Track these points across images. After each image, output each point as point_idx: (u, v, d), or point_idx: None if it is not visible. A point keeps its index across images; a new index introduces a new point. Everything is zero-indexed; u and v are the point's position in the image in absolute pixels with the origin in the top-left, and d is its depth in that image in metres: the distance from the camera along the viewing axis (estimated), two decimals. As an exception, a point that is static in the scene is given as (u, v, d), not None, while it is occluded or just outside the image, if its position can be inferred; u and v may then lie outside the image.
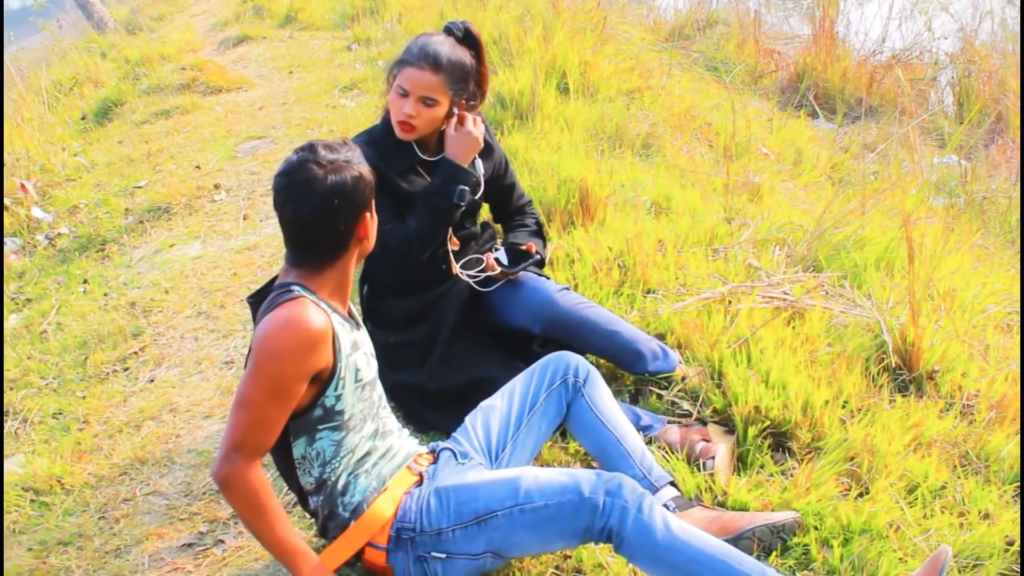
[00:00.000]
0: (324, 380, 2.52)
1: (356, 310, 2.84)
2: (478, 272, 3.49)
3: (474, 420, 2.94)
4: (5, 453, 3.83)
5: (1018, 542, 2.74)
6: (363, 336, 2.72)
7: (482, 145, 3.43)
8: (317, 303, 2.50)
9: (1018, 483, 3.03)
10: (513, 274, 3.47)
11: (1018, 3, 10.89)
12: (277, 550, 2.46)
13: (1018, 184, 6.07)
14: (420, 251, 3.36)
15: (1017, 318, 3.99)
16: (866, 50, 8.64)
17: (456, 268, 3.48)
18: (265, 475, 2.44)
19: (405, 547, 2.60)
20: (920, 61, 8.56)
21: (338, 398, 2.55)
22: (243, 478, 2.40)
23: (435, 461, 2.82)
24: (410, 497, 2.66)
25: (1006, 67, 7.68)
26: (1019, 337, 3.82)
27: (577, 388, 2.94)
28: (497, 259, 3.52)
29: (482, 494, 2.57)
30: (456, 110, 3.42)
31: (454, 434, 2.93)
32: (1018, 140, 6.80)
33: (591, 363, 3.04)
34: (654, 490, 2.80)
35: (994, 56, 8.05)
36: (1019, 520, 2.81)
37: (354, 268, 2.66)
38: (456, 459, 2.80)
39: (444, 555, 2.58)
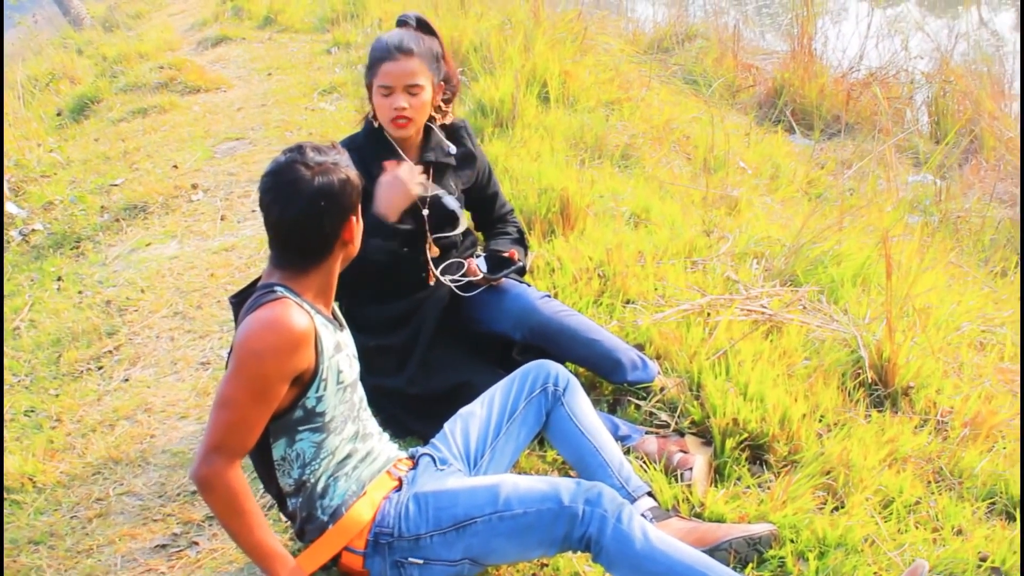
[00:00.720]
0: (305, 381, 2.51)
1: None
2: (459, 277, 3.49)
3: (453, 426, 2.93)
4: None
5: (992, 558, 2.76)
6: (346, 337, 2.72)
7: (414, 194, 3.33)
8: (300, 304, 2.50)
9: (991, 500, 3.05)
10: (495, 280, 3.47)
11: (992, 26, 11.02)
12: (254, 553, 2.46)
13: (991, 203, 6.14)
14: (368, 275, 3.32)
15: (991, 336, 4.03)
16: (843, 67, 8.70)
17: (436, 274, 3.47)
18: (244, 477, 2.43)
19: (383, 552, 2.59)
20: (896, 80, 8.63)
21: (319, 400, 2.54)
22: (222, 479, 2.39)
23: (415, 466, 2.82)
24: (389, 502, 2.65)
25: (981, 87, 7.75)
26: (1020, 350, 3.86)
27: (557, 397, 2.94)
28: (478, 266, 3.52)
29: (461, 500, 2.57)
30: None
31: (433, 440, 2.93)
32: (992, 161, 6.87)
33: (571, 372, 3.04)
34: (632, 500, 2.80)
35: (969, 77, 8.13)
36: (1020, 528, 2.84)
37: (338, 271, 2.65)
38: (435, 465, 2.80)
39: (422, 561, 2.57)
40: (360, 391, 2.77)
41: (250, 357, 2.41)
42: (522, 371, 3.00)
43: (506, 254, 3.55)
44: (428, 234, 3.47)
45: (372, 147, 3.42)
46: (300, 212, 2.49)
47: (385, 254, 3.28)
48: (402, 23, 3.44)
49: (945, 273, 4.55)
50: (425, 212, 3.44)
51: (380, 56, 3.32)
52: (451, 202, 3.50)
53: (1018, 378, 3.70)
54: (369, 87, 3.40)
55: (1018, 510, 3.01)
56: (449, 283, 3.48)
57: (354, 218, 2.60)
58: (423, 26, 3.44)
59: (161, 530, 3.20)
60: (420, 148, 3.49)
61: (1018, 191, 6.33)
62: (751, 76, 8.91)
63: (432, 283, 3.48)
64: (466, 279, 3.48)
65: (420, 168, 3.38)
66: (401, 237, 3.32)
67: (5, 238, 6.11)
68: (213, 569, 2.97)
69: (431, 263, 3.47)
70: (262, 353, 2.41)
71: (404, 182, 3.30)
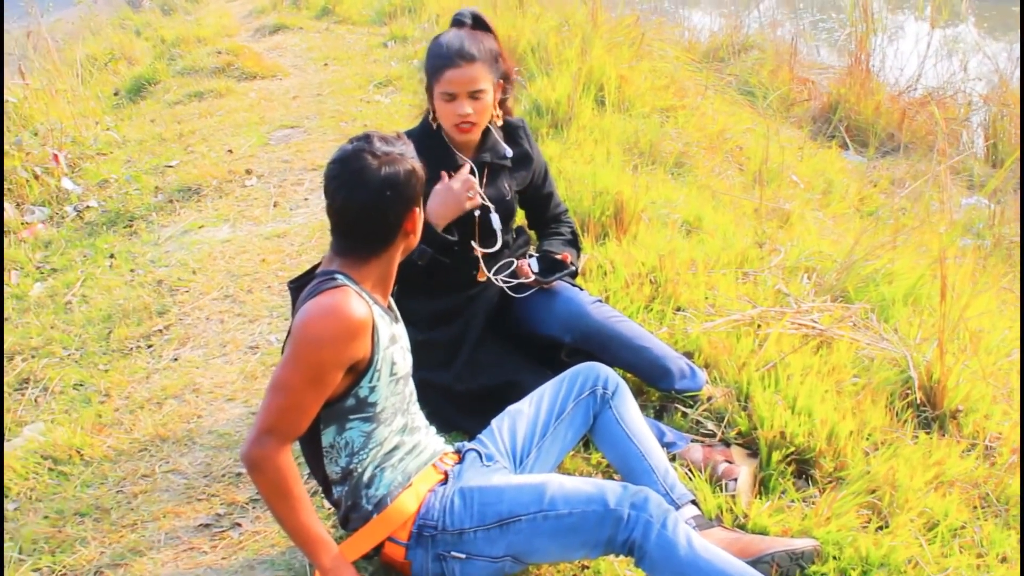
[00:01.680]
0: (360, 370, 2.53)
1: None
2: (510, 278, 3.49)
3: (500, 423, 2.94)
4: (26, 420, 3.85)
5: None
6: (401, 330, 2.73)
7: (465, 208, 3.35)
8: (359, 293, 2.52)
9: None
10: (547, 283, 3.47)
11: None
12: (298, 536, 2.47)
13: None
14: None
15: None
16: (900, 86, 8.65)
17: (486, 274, 3.47)
18: (293, 461, 2.45)
19: (425, 544, 2.60)
20: (953, 101, 8.57)
21: (372, 390, 2.56)
22: (272, 461, 2.41)
23: (460, 461, 2.83)
24: (434, 495, 2.66)
25: (1039, 112, 7.68)
26: (1020, 353, 3.84)
27: (605, 400, 2.94)
28: (530, 266, 3.52)
29: (507, 497, 2.57)
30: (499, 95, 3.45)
31: (480, 436, 2.94)
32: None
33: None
34: (676, 507, 2.79)
35: (1027, 100, 8.06)
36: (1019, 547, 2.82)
37: (398, 261, 2.67)
38: (481, 461, 2.81)
39: (464, 555, 2.58)
40: (411, 384, 2.79)
41: (308, 343, 2.43)
42: (571, 372, 3.00)
43: (559, 256, 3.55)
44: (477, 234, 3.48)
45: (427, 146, 3.40)
46: (366, 200, 2.51)
47: (424, 258, 3.29)
48: (458, 22, 3.43)
49: (997, 298, 4.51)
50: (477, 213, 3.45)
51: (443, 63, 3.30)
52: (495, 221, 3.50)
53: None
54: (429, 90, 3.39)
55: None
56: (500, 284, 3.49)
57: (417, 209, 2.61)
58: (479, 23, 3.44)
59: (205, 509, 3.23)
60: (476, 149, 3.50)
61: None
62: (806, 90, 8.87)
63: (482, 280, 3.49)
64: (517, 280, 3.49)
65: (475, 179, 3.38)
66: (441, 244, 3.32)
67: (60, 213, 6.18)
68: (255, 551, 3.00)
69: (482, 262, 3.48)
70: (320, 340, 2.42)
71: (457, 194, 3.31)
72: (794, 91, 8.80)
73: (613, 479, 3.07)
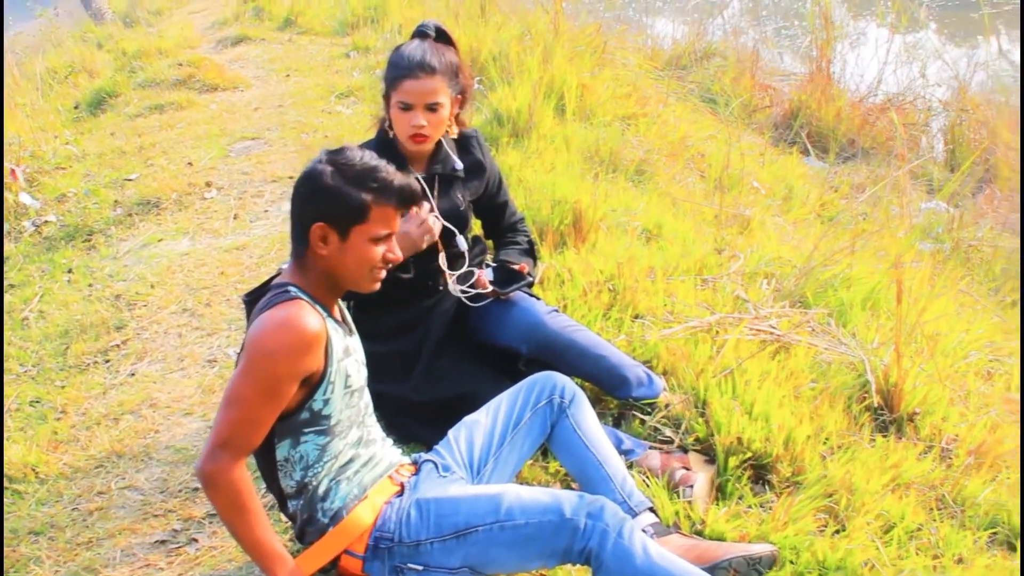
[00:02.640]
0: (313, 384, 2.52)
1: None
2: (468, 288, 3.48)
3: (457, 434, 2.93)
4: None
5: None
6: (355, 343, 2.72)
7: (420, 245, 3.34)
8: (313, 306, 2.51)
9: (992, 530, 3.05)
10: (504, 294, 3.47)
11: (1011, 57, 11.01)
12: (254, 552, 2.46)
13: (1003, 233, 6.13)
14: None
15: (999, 366, 4.02)
16: (860, 92, 8.70)
17: (451, 284, 3.47)
18: (248, 475, 2.44)
19: (382, 557, 2.59)
20: (913, 106, 8.64)
21: (326, 403, 2.54)
22: (227, 476, 2.40)
23: (417, 472, 2.82)
24: (390, 507, 2.65)
25: (998, 117, 7.74)
26: (1020, 361, 3.85)
27: (562, 409, 2.94)
28: (487, 276, 3.52)
29: (463, 508, 2.56)
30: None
31: (436, 447, 2.92)
32: (1006, 191, 6.86)
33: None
34: (633, 515, 2.79)
35: (986, 106, 8.12)
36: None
37: (332, 280, 2.62)
38: (438, 472, 2.80)
39: (421, 567, 2.57)
40: (367, 397, 2.78)
41: (262, 356, 2.42)
42: (528, 382, 3.00)
43: (516, 267, 3.55)
44: (440, 247, 3.47)
45: (382, 156, 3.40)
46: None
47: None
48: (421, 34, 3.43)
49: (955, 301, 4.54)
50: (441, 224, 3.45)
51: (402, 73, 3.31)
52: (462, 243, 3.50)
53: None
54: (387, 98, 3.40)
55: (1019, 539, 3.00)
56: (459, 294, 3.48)
57: (322, 228, 2.54)
58: (442, 36, 3.45)
59: (161, 526, 3.21)
60: (428, 161, 3.50)
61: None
62: (768, 97, 8.91)
63: (440, 289, 3.48)
64: (475, 291, 3.48)
65: (433, 219, 3.36)
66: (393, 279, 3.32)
67: (18, 228, 6.13)
68: (212, 567, 2.98)
69: (445, 270, 3.47)
70: (274, 353, 2.42)
71: (413, 236, 3.31)
72: (756, 98, 8.84)
73: (571, 488, 3.07)
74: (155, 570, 3.00)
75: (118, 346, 4.44)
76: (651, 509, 2.85)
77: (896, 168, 6.32)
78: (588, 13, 8.98)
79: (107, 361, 4.34)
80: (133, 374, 4.18)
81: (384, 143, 3.45)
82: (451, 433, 2.95)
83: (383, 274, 2.67)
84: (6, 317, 4.89)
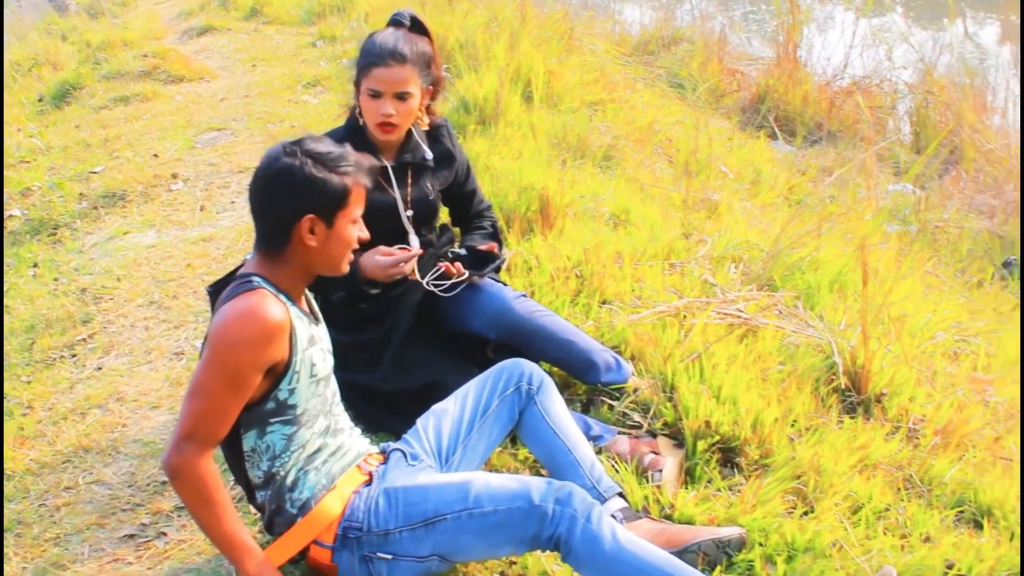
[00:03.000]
0: (279, 373, 2.51)
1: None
2: (443, 282, 3.47)
3: (425, 423, 2.93)
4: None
5: (959, 566, 2.78)
6: (321, 331, 2.71)
7: (387, 279, 3.36)
8: (276, 295, 2.50)
9: (959, 509, 3.07)
10: (480, 276, 3.46)
11: (976, 39, 11.08)
12: (223, 544, 2.45)
13: (969, 214, 6.18)
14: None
15: (966, 346, 4.05)
16: (827, 75, 8.73)
17: (423, 281, 3.45)
18: (215, 467, 2.43)
19: (351, 546, 2.59)
20: (880, 89, 8.67)
21: (291, 392, 2.53)
22: (193, 468, 2.40)
23: (385, 461, 2.81)
24: (358, 496, 2.64)
25: (963, 99, 7.79)
26: (1021, 359, 3.88)
27: (530, 395, 2.94)
28: (461, 260, 3.51)
29: (432, 497, 2.56)
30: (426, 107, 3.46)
31: (405, 436, 2.92)
32: (972, 172, 6.90)
33: (545, 371, 3.04)
34: (603, 500, 2.80)
35: (952, 89, 8.17)
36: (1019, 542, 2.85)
37: (309, 272, 2.63)
38: (406, 460, 2.79)
39: (390, 556, 2.56)
40: (333, 386, 2.77)
41: (225, 346, 2.41)
42: (496, 369, 3.00)
43: (484, 248, 3.54)
44: (410, 235, 3.49)
45: (352, 143, 3.39)
46: (261, 188, 2.54)
47: (340, 299, 3.43)
48: (396, 23, 3.41)
49: (921, 282, 4.56)
50: (409, 214, 3.46)
51: (373, 60, 3.29)
52: (414, 242, 3.50)
53: (991, 388, 3.72)
54: (357, 85, 3.38)
55: (986, 519, 3.03)
56: (432, 288, 3.46)
57: (312, 218, 2.54)
58: (417, 26, 3.43)
59: (130, 520, 3.18)
60: (398, 150, 3.49)
61: (997, 204, 6.37)
62: (735, 81, 8.93)
63: (408, 279, 3.47)
64: (449, 281, 3.47)
65: (408, 262, 3.36)
66: (360, 293, 3.41)
67: (-18, 223, 6.08)
68: (181, 560, 2.96)
69: (416, 271, 3.47)
70: (237, 343, 2.41)
71: (384, 268, 3.31)
72: (723, 82, 8.86)
73: (540, 475, 3.07)
74: (124, 564, 2.98)
75: (84, 340, 4.40)
76: (620, 494, 2.86)
77: (863, 151, 6.36)
78: (555, 0, 8.96)
79: (73, 355, 4.30)
80: (100, 368, 4.15)
81: (354, 130, 3.44)
82: (419, 422, 2.95)
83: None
84: (-30, 312, 4.85)
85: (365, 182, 2.61)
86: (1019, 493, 3.08)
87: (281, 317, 2.45)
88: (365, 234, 2.67)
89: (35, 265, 5.31)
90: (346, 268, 2.67)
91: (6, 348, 4.44)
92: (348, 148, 2.60)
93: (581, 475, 2.83)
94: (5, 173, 6.75)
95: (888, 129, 8.21)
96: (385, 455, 2.84)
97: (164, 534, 3.08)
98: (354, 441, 2.81)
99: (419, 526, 2.54)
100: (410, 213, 3.48)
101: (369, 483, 2.71)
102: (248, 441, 2.56)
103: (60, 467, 3.51)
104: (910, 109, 8.42)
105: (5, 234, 5.89)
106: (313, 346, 2.61)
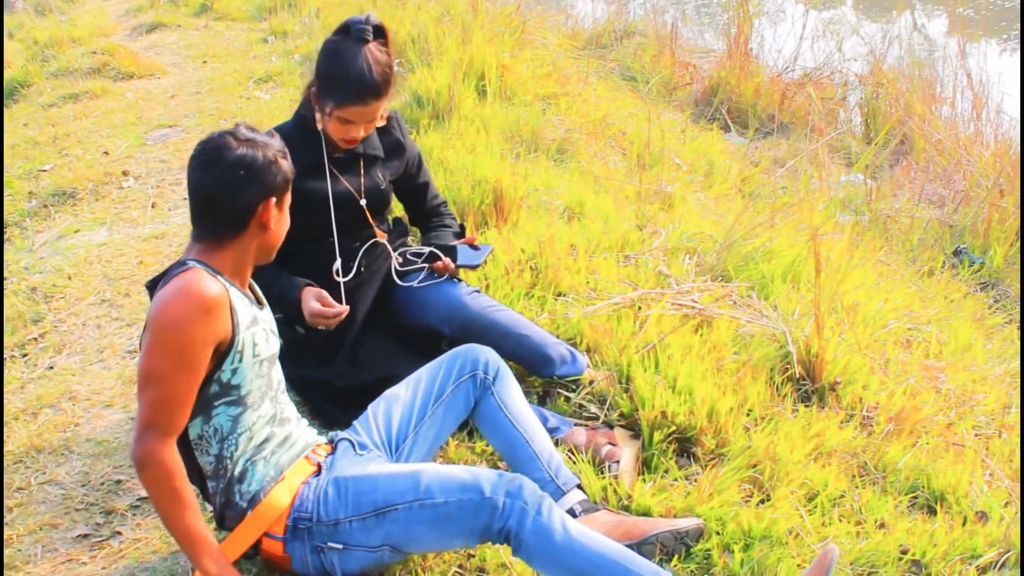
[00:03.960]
0: (222, 353, 2.49)
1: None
2: (429, 278, 3.52)
3: (376, 409, 2.93)
4: None
5: (912, 551, 2.81)
6: (265, 315, 2.71)
7: (310, 323, 3.30)
8: (213, 275, 2.49)
9: (913, 494, 3.11)
10: (476, 266, 3.55)
11: (925, 32, 11.20)
12: (183, 538, 2.44)
13: (920, 204, 6.24)
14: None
15: (918, 334, 4.09)
16: (778, 67, 8.80)
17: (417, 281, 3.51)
18: (179, 457, 2.43)
19: (302, 537, 2.59)
20: (830, 81, 8.76)
21: (235, 372, 2.53)
22: (155, 457, 2.39)
23: (333, 451, 2.80)
24: (307, 487, 2.64)
25: (912, 90, 7.89)
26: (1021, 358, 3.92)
27: (486, 385, 2.94)
28: (446, 253, 3.54)
29: (382, 486, 2.56)
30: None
31: (355, 423, 2.92)
32: (922, 162, 6.98)
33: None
34: (561, 493, 2.80)
35: (901, 80, 8.27)
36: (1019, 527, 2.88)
37: (256, 257, 2.64)
38: (355, 449, 2.79)
39: (341, 546, 2.57)
40: (278, 372, 2.75)
41: (167, 328, 2.40)
42: (451, 354, 3.00)
43: (460, 243, 3.60)
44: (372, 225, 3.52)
45: (300, 138, 3.36)
46: (217, 178, 2.51)
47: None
48: (360, 39, 3.28)
49: (874, 271, 4.61)
50: (363, 203, 3.47)
51: (349, 98, 3.23)
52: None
53: (943, 375, 3.77)
54: (319, 97, 3.32)
55: (939, 504, 3.06)
56: (420, 286, 3.53)
57: (274, 202, 2.57)
58: (379, 33, 3.33)
59: (84, 519, 3.15)
60: None
61: (946, 193, 6.45)
62: (688, 74, 8.97)
63: (362, 272, 3.47)
64: (436, 279, 3.51)
65: (337, 319, 3.29)
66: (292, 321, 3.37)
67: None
68: (136, 559, 2.93)
69: (395, 268, 3.50)
70: (178, 322, 2.39)
71: (313, 318, 3.24)
72: (676, 75, 8.90)
73: (498, 466, 3.07)
74: (78, 564, 2.95)
75: (36, 339, 4.35)
76: (579, 486, 2.86)
77: (814, 142, 6.41)
78: (507, -6, 8.96)
79: (24, 355, 4.25)
80: (52, 367, 4.10)
81: (302, 127, 3.41)
82: (370, 408, 2.95)
83: None
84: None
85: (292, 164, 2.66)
86: (1020, 495, 3.12)
87: (217, 291, 2.44)
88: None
89: (-16, 264, 5.24)
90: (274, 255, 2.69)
91: (-45, 349, 4.38)
92: (273, 134, 2.63)
93: (539, 467, 2.84)
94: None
95: (839, 120, 8.29)
96: (333, 445, 2.83)
97: (119, 533, 3.05)
98: (302, 431, 2.80)
99: (369, 516, 2.54)
100: (364, 202, 3.47)
101: (318, 473, 2.70)
102: (195, 429, 2.55)
103: (12, 467, 3.46)
104: (861, 100, 8.51)
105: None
106: (256, 326, 2.60)
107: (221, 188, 2.51)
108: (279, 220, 2.62)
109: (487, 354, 2.97)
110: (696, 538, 2.79)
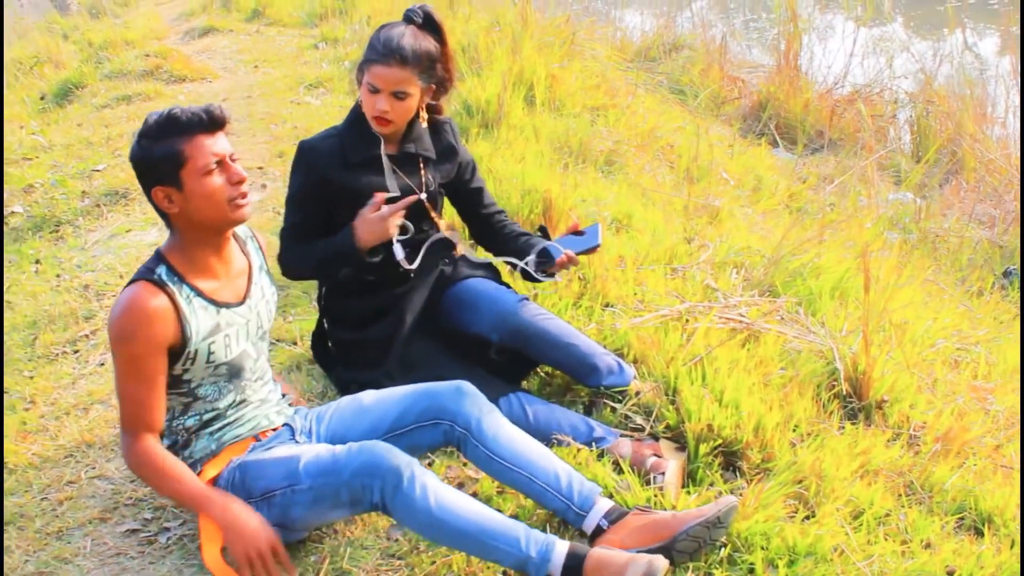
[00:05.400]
0: (175, 354, 2.67)
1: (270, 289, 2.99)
2: (546, 275, 3.55)
3: (342, 411, 3.02)
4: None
5: (959, 573, 2.79)
6: (234, 317, 2.80)
7: (391, 235, 3.35)
8: (163, 287, 2.63)
9: (960, 515, 3.08)
10: (593, 249, 3.55)
11: (976, 50, 11.10)
12: (186, 502, 2.68)
13: (970, 224, 6.20)
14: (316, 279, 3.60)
15: (966, 354, 4.06)
16: (828, 84, 8.77)
17: (524, 264, 3.54)
18: (159, 445, 2.68)
19: None
20: (880, 98, 8.71)
21: (185, 371, 2.71)
22: (135, 452, 2.65)
23: (275, 434, 2.94)
24: (229, 466, 2.80)
25: (963, 109, 7.83)
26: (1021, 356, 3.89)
27: (466, 439, 2.85)
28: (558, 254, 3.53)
29: (267, 473, 2.73)
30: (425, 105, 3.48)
31: (318, 411, 3.06)
32: (972, 182, 6.93)
33: (526, 387, 3.17)
34: (586, 512, 2.78)
35: (952, 98, 8.21)
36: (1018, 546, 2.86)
37: (199, 235, 2.72)
38: (293, 436, 2.95)
39: None
40: (256, 362, 2.91)
41: (116, 343, 2.63)
42: (419, 393, 2.94)
43: (567, 231, 3.63)
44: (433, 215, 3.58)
45: (354, 135, 3.45)
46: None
47: (347, 275, 3.45)
48: (408, 19, 3.40)
49: (922, 290, 4.58)
50: (423, 196, 3.50)
51: (374, 57, 3.30)
52: (399, 251, 3.44)
53: (991, 396, 3.74)
54: (359, 74, 3.41)
55: (986, 526, 3.04)
56: (546, 278, 3.58)
57: (161, 191, 2.64)
58: (429, 23, 3.41)
59: (132, 515, 3.19)
60: (401, 139, 3.50)
61: (997, 213, 6.40)
62: (736, 88, 8.97)
63: (412, 276, 3.49)
64: (562, 269, 3.55)
65: (401, 210, 3.35)
66: (364, 265, 3.39)
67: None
68: (183, 556, 2.96)
69: (532, 273, 3.54)
70: (122, 337, 2.60)
71: (383, 222, 3.30)
72: (724, 89, 8.89)
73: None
74: (126, 559, 2.99)
75: (87, 336, 4.41)
76: (601, 494, 2.84)
77: (863, 159, 6.39)
78: (556, 5, 9.00)
79: (76, 351, 4.31)
80: (102, 364, 4.15)
81: (355, 122, 3.46)
82: (341, 402, 3.06)
83: (245, 199, 2.73)
84: (-28, 308, 4.86)
85: (195, 132, 2.63)
86: (1020, 501, 3.10)
87: (156, 303, 2.59)
88: (240, 175, 2.70)
89: (37, 261, 5.32)
90: (239, 215, 2.71)
91: (8, 343, 4.44)
92: (180, 108, 2.64)
93: (552, 499, 2.79)
94: (9, 171, 6.76)
95: (889, 138, 8.25)
96: (278, 428, 2.97)
97: (167, 529, 3.09)
98: (260, 412, 2.93)
99: (259, 499, 2.71)
100: (424, 196, 3.50)
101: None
102: None
103: (62, 461, 3.51)
104: (910, 118, 8.46)
105: (7, 231, 5.89)
106: (217, 334, 2.73)
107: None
108: (187, 199, 2.64)
109: (463, 405, 2.87)
110: (728, 518, 2.76)
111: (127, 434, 2.66)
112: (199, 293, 2.69)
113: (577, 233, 3.59)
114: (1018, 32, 9.95)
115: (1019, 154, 6.48)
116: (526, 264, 3.53)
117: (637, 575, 2.50)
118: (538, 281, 3.56)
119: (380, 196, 3.32)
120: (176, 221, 2.68)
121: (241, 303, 2.82)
